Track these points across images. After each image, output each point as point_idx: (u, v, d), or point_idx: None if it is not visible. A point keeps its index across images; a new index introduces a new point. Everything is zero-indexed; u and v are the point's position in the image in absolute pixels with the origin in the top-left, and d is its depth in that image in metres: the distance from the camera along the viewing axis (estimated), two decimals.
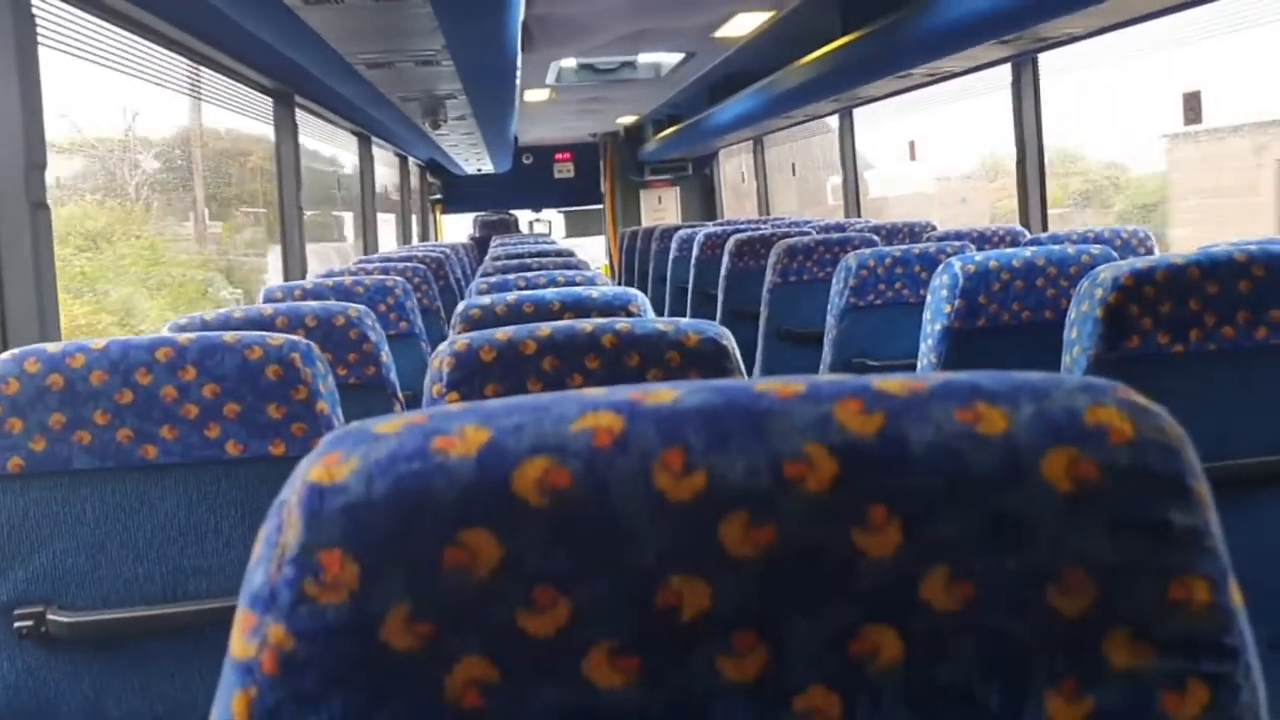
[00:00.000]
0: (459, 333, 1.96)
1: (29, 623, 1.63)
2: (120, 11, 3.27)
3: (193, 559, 1.67)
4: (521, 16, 4.11)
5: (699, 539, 0.52)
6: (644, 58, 7.41)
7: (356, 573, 0.52)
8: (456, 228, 14.32)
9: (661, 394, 0.55)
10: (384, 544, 0.52)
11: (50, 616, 1.63)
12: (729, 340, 1.62)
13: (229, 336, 1.70)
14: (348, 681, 0.52)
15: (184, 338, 1.69)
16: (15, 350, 1.67)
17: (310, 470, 0.53)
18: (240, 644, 0.54)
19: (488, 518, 0.52)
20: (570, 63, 7.31)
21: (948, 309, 2.59)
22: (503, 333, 1.63)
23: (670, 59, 7.34)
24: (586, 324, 1.64)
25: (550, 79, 7.59)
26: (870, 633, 0.53)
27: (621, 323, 1.64)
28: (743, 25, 5.95)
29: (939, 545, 0.53)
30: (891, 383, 0.55)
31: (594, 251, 13.32)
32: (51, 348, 1.67)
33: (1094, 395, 0.55)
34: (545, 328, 1.63)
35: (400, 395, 2.50)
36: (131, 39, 3.55)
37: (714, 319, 4.73)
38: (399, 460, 0.53)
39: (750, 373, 4.03)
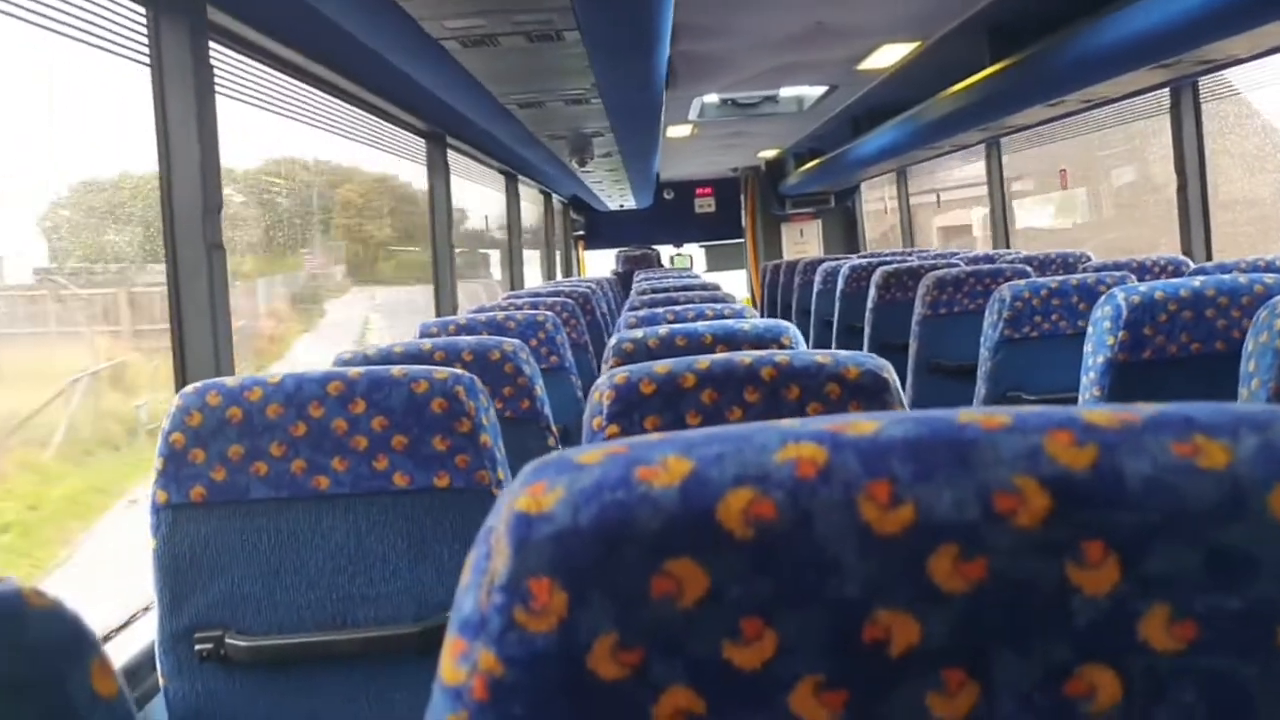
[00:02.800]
0: (612, 366, 1.97)
1: (209, 645, 1.70)
2: (290, 61, 3.41)
3: (360, 587, 1.71)
4: (668, 54, 4.15)
5: (907, 572, 0.51)
6: (786, 91, 7.40)
7: (565, 600, 0.52)
8: (598, 263, 14.50)
9: (862, 425, 0.54)
10: (592, 572, 0.52)
11: (229, 640, 1.70)
12: (889, 373, 1.59)
13: (396, 370, 1.74)
14: (555, 708, 0.52)
15: (354, 372, 1.74)
16: (198, 384, 1.74)
17: (517, 499, 0.54)
18: (450, 669, 0.54)
19: (693, 548, 0.52)
20: (713, 98, 7.35)
21: (1111, 341, 2.50)
22: (662, 365, 1.62)
23: (813, 92, 7.31)
24: (745, 356, 1.62)
25: (693, 115, 7.64)
26: (1086, 672, 0.51)
27: (780, 355, 1.62)
28: (888, 57, 5.89)
29: (1158, 583, 0.51)
30: (1100, 414, 0.54)
31: (735, 285, 13.32)
32: (230, 381, 1.74)
33: None
34: (704, 360, 1.62)
35: (554, 428, 2.52)
36: (295, 85, 3.69)
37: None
38: (604, 489, 0.53)
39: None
